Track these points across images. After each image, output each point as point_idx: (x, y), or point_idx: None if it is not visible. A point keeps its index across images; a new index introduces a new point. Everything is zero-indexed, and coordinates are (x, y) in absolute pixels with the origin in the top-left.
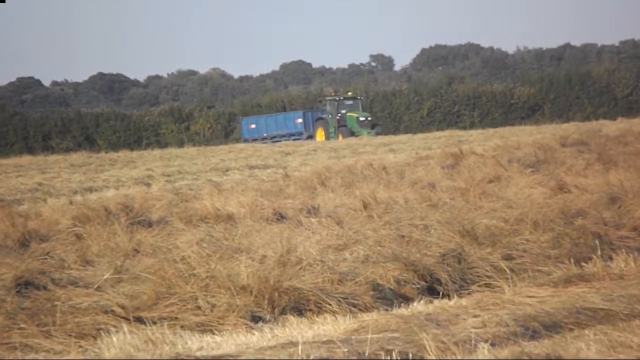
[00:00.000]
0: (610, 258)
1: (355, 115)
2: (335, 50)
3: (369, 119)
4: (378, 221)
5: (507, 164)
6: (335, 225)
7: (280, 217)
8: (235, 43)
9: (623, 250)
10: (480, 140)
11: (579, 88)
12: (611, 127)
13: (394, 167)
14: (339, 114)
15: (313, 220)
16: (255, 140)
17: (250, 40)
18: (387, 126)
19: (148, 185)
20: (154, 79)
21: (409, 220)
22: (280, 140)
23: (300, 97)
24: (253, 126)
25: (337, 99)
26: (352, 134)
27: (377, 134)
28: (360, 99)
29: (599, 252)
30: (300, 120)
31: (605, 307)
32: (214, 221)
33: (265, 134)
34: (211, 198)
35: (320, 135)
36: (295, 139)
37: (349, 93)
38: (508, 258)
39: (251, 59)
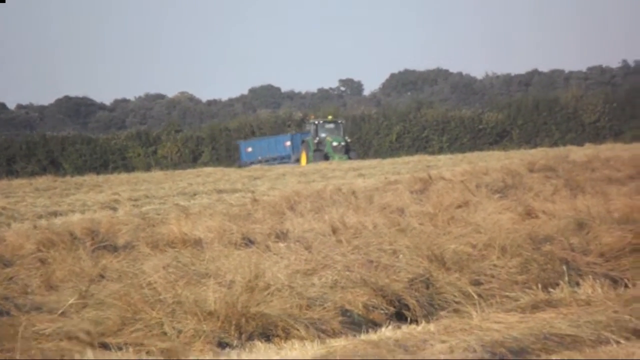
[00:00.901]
0: (578, 284)
1: (330, 139)
2: (305, 74)
3: (342, 143)
4: (347, 246)
5: (476, 189)
6: (303, 250)
7: (249, 242)
8: (203, 67)
9: (590, 276)
10: (448, 165)
11: (546, 114)
12: (578, 152)
13: (363, 192)
14: (317, 138)
15: (281, 245)
16: (252, 163)
17: (218, 64)
18: (356, 151)
19: (114, 209)
20: (121, 103)
21: (377, 245)
22: (274, 164)
23: (269, 121)
24: (250, 149)
25: (316, 122)
26: (327, 158)
27: (350, 158)
28: (341, 122)
29: (566, 278)
30: (288, 143)
31: (572, 333)
32: (181, 246)
33: (260, 157)
34: (178, 223)
35: (303, 158)
36: (284, 162)
37: (330, 117)
38: (476, 283)
39: (219, 83)
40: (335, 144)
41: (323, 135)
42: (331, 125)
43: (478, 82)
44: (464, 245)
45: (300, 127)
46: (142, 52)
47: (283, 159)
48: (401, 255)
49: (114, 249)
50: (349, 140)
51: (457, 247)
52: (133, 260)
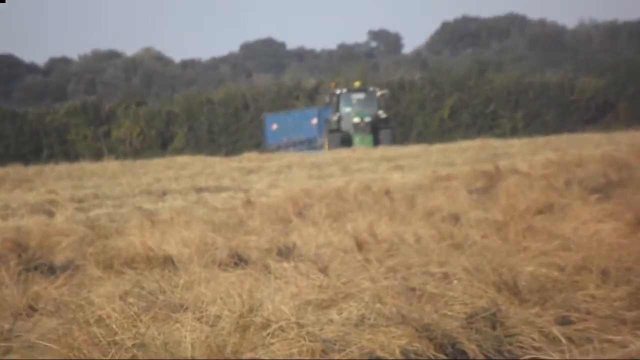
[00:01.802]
0: None
1: (354, 115)
2: (320, 24)
3: (367, 120)
4: (378, 267)
5: (564, 187)
6: (317, 273)
7: (240, 261)
8: (176, 13)
9: None
10: (525, 154)
11: None
12: None
13: (401, 191)
14: (337, 114)
15: (286, 265)
16: (279, 147)
17: (198, 8)
18: (392, 130)
19: (50, 214)
20: (59, 63)
21: (422, 267)
22: (302, 149)
23: (270, 91)
24: (275, 127)
25: (338, 92)
26: (349, 142)
27: (377, 144)
28: (374, 91)
29: None
30: (315, 120)
31: None
32: (145, 266)
33: (285, 139)
34: (141, 233)
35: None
36: (313, 148)
37: (356, 83)
38: (564, 322)
39: (199, 36)
40: (356, 120)
41: (347, 110)
42: (359, 96)
43: (569, 34)
44: (546, 267)
45: (312, 99)
46: None
47: (311, 143)
48: (456, 281)
49: (50, 270)
50: (384, 115)
51: (537, 270)
52: (77, 286)
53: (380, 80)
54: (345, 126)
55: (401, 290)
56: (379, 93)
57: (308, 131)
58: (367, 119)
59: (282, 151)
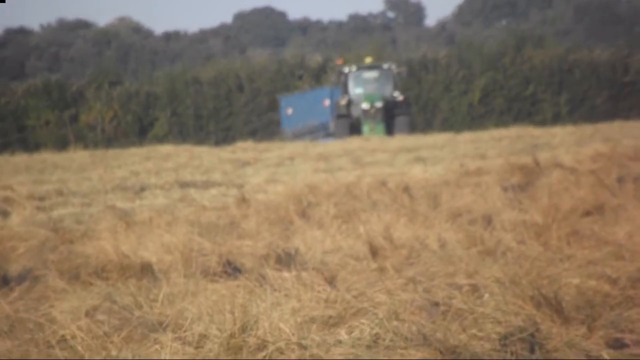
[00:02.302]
0: None
1: (364, 98)
2: None
3: (378, 105)
4: (395, 278)
5: (617, 184)
6: (323, 284)
7: (232, 270)
8: None
9: None
10: (570, 145)
11: None
12: None
13: (422, 188)
14: (346, 96)
15: (287, 275)
16: (295, 135)
17: None
18: (410, 116)
19: (4, 214)
20: (16, 35)
21: (447, 277)
22: (317, 137)
23: (268, 69)
24: (290, 111)
25: (346, 70)
26: (357, 129)
27: (391, 132)
28: (389, 68)
29: None
30: (328, 101)
31: None
32: (118, 276)
33: (300, 125)
34: (114, 237)
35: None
36: (328, 137)
37: (368, 59)
38: (616, 345)
39: (185, 3)
40: (365, 105)
41: (358, 91)
42: (372, 74)
43: (623, 4)
44: (595, 279)
45: (318, 79)
46: None
47: (327, 130)
48: (487, 295)
49: (4, 281)
50: (400, 98)
51: (584, 282)
52: (36, 300)
53: (398, 57)
54: (355, 111)
55: (422, 305)
56: (395, 70)
57: (322, 114)
58: (379, 104)
59: (300, 139)
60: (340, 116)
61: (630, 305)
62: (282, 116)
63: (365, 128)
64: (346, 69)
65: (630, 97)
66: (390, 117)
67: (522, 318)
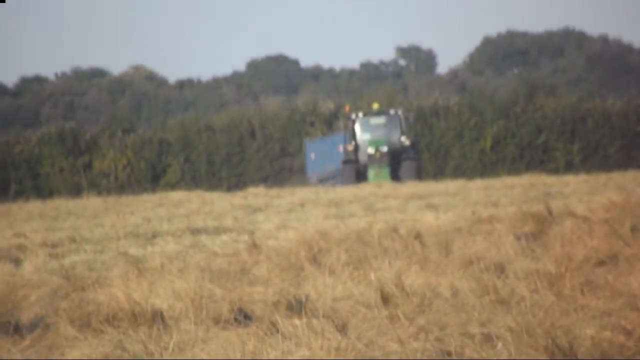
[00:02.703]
0: None
1: (370, 143)
2: (339, 40)
3: (383, 150)
4: (407, 326)
5: (630, 234)
6: (334, 332)
7: (243, 318)
8: (171, 26)
9: None
10: (583, 193)
11: None
12: None
13: (434, 235)
14: (352, 142)
15: (297, 322)
16: (320, 181)
17: (196, 22)
18: (418, 161)
19: (17, 262)
20: (32, 83)
21: (459, 326)
22: (333, 183)
23: (280, 116)
24: (313, 156)
25: (353, 116)
26: (362, 175)
27: (398, 178)
28: (397, 114)
29: None
30: (341, 147)
31: None
32: (129, 324)
33: (321, 170)
34: (126, 284)
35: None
36: (336, 183)
37: (375, 105)
38: None
39: (198, 52)
40: (370, 150)
41: (365, 137)
42: (378, 120)
43: (635, 54)
44: (609, 330)
45: (329, 126)
46: (68, 5)
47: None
48: (500, 345)
49: (15, 329)
50: (407, 142)
51: (598, 333)
52: (47, 348)
53: (410, 104)
54: (362, 157)
55: (434, 355)
56: (401, 115)
57: (337, 160)
58: (384, 149)
59: (323, 185)
60: (347, 162)
61: None
62: (307, 161)
63: (371, 173)
64: (353, 115)
65: None
66: (396, 162)
67: None
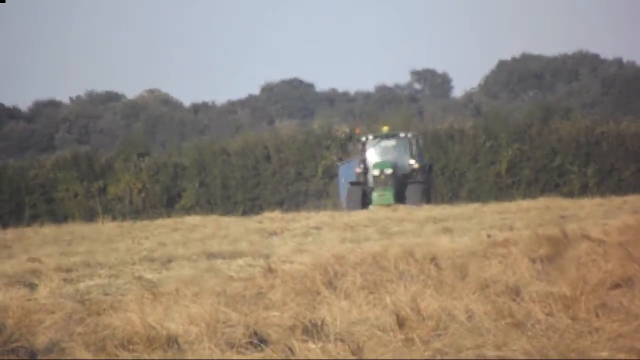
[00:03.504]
0: None
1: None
2: (354, 64)
3: (388, 172)
4: (423, 350)
5: None
6: (350, 356)
7: (259, 341)
8: (186, 49)
9: None
10: (598, 216)
11: None
12: None
13: (450, 259)
14: (361, 165)
15: (313, 346)
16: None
17: (212, 46)
18: (429, 185)
19: (32, 287)
20: (46, 107)
21: (475, 349)
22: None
23: (296, 140)
24: (343, 180)
25: (364, 139)
26: (368, 197)
27: (399, 201)
28: (408, 137)
29: None
30: (359, 169)
31: None
32: (144, 348)
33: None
34: (141, 309)
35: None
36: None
37: (385, 128)
38: None
39: (213, 76)
40: (376, 172)
41: (375, 159)
42: (388, 143)
43: None
44: (624, 353)
45: (344, 150)
46: (82, 24)
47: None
48: None
49: (30, 354)
50: (415, 166)
51: (613, 355)
52: None
53: (423, 128)
54: (371, 179)
55: None
56: (411, 138)
57: None
58: (388, 171)
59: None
60: (353, 183)
61: None
62: (340, 185)
63: (374, 195)
64: (364, 138)
65: None
66: (402, 185)
67: None
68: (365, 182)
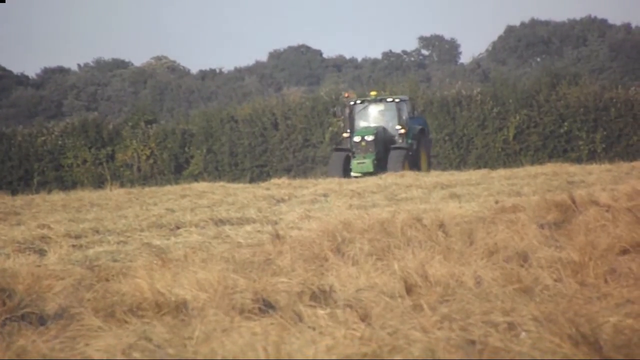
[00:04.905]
0: None
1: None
2: (361, 30)
3: (369, 138)
4: (430, 315)
5: None
6: (358, 322)
7: (267, 307)
8: (192, 16)
9: None
10: (606, 182)
11: None
12: None
13: (457, 225)
14: (348, 130)
15: (321, 312)
16: None
17: (219, 13)
18: (447, 155)
19: (41, 253)
20: (54, 74)
21: (482, 315)
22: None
23: (304, 107)
24: None
25: (351, 103)
26: (345, 166)
27: (380, 170)
28: (398, 101)
29: None
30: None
31: None
32: (153, 314)
33: None
34: (149, 275)
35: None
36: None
37: (373, 93)
38: None
39: (219, 43)
40: (357, 139)
41: (362, 124)
42: (376, 108)
43: None
44: (633, 318)
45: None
46: None
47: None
48: (524, 334)
49: (40, 320)
50: (402, 131)
51: (622, 321)
52: (71, 339)
53: (431, 95)
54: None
55: (458, 344)
56: (400, 102)
57: None
58: (369, 137)
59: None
60: (337, 150)
61: None
62: None
63: (353, 162)
64: (351, 102)
65: None
66: (387, 151)
67: (559, 356)
68: (349, 149)
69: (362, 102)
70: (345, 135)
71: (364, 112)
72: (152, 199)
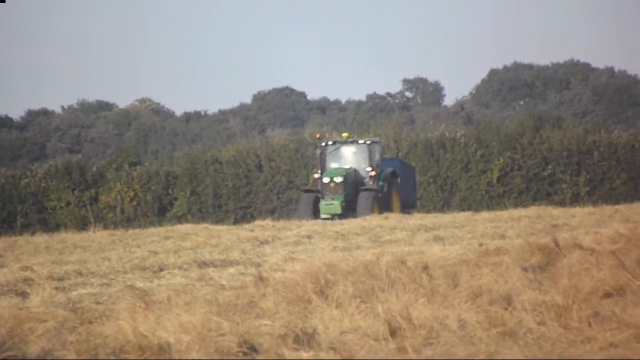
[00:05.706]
0: None
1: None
2: (345, 72)
3: (338, 180)
4: (415, 358)
5: (637, 266)
6: None
7: (250, 350)
8: (178, 58)
9: None
10: (589, 225)
11: None
12: None
13: (441, 267)
14: (319, 171)
15: (305, 355)
16: None
17: (203, 56)
18: (430, 198)
19: (24, 295)
20: (37, 116)
21: (467, 358)
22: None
23: (287, 149)
24: None
25: (322, 144)
26: (314, 208)
27: (350, 210)
28: (369, 143)
29: None
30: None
31: None
32: (136, 357)
33: None
34: (133, 317)
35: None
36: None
37: (344, 135)
38: None
39: (204, 85)
40: (326, 180)
41: (333, 165)
42: (347, 149)
43: None
44: None
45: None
46: (73, 32)
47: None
48: None
49: None
50: (372, 173)
51: None
52: None
53: (414, 137)
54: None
55: None
56: (371, 144)
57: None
58: (338, 179)
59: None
60: (307, 191)
61: None
62: None
63: (322, 203)
64: (323, 143)
65: None
66: (357, 193)
67: None
68: (319, 190)
69: (334, 143)
70: (315, 176)
71: (336, 153)
72: (136, 241)
